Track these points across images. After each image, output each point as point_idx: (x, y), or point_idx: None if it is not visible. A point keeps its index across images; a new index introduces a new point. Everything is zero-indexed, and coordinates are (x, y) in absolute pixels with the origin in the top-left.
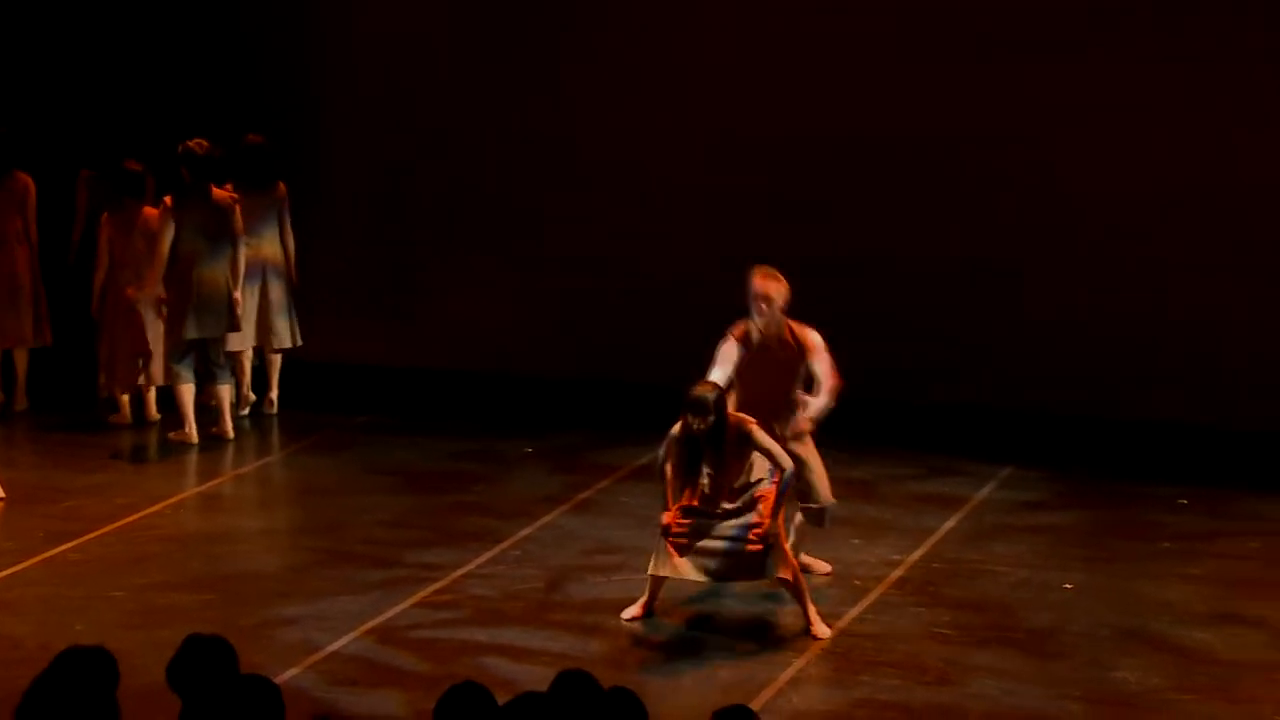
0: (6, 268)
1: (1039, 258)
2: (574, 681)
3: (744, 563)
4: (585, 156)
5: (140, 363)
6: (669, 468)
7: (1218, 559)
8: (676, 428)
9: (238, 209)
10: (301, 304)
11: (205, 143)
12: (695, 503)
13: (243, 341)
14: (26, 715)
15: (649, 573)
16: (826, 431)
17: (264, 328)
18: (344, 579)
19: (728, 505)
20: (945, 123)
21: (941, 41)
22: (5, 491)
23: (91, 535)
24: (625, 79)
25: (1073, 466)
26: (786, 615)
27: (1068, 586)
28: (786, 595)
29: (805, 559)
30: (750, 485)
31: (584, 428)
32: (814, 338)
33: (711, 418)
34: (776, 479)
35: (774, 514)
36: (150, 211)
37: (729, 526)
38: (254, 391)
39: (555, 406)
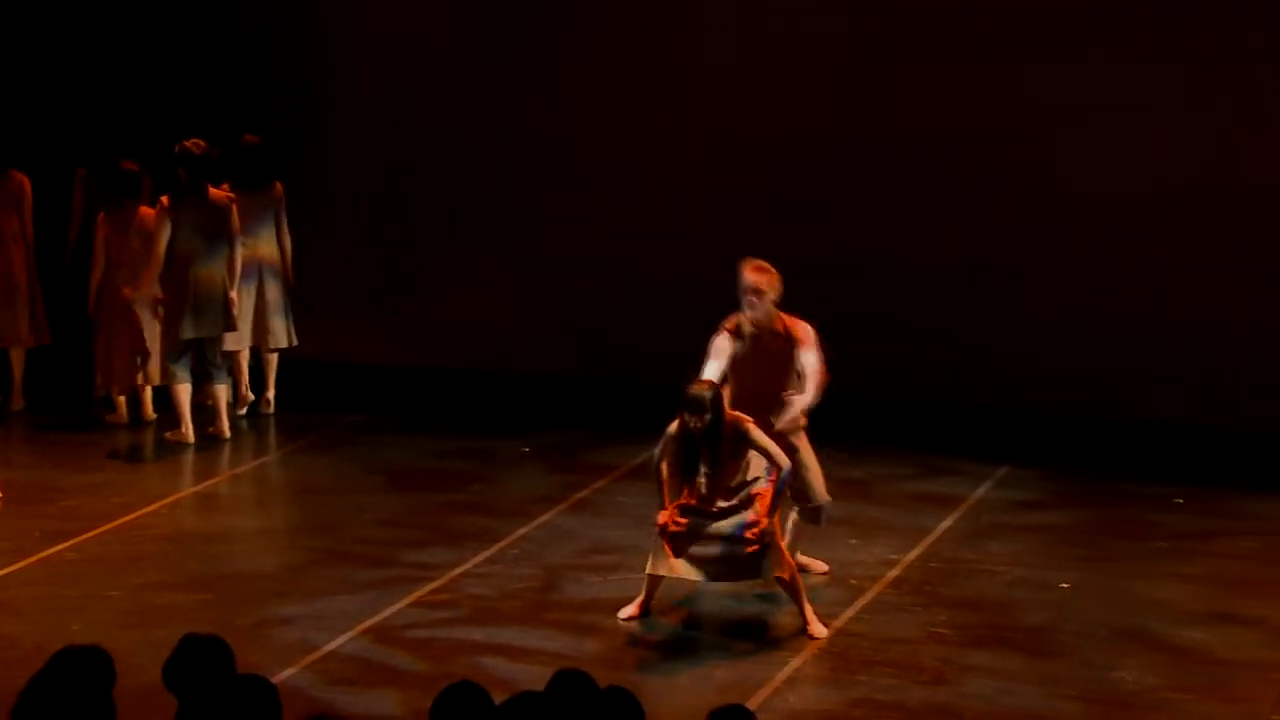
0: (3, 267)
1: (1039, 258)
2: (571, 681)
3: (741, 563)
4: (585, 156)
5: (137, 362)
6: (665, 466)
7: (1214, 558)
8: (673, 426)
9: (234, 209)
10: (298, 304)
11: (202, 143)
12: (692, 501)
13: (239, 341)
14: (22, 715)
15: (646, 572)
16: (825, 431)
17: (260, 327)
18: (341, 578)
19: (724, 504)
20: (945, 123)
21: (941, 41)
22: (2, 491)
23: (88, 535)
24: (625, 79)
25: (1069, 466)
26: (783, 614)
27: (1064, 586)
28: (783, 595)
29: (802, 558)
30: (747, 484)
31: (582, 427)
32: (805, 329)
33: (708, 416)
34: (773, 477)
35: (770, 512)
36: (147, 211)
37: (726, 525)
38: (251, 391)
39: (553, 406)
